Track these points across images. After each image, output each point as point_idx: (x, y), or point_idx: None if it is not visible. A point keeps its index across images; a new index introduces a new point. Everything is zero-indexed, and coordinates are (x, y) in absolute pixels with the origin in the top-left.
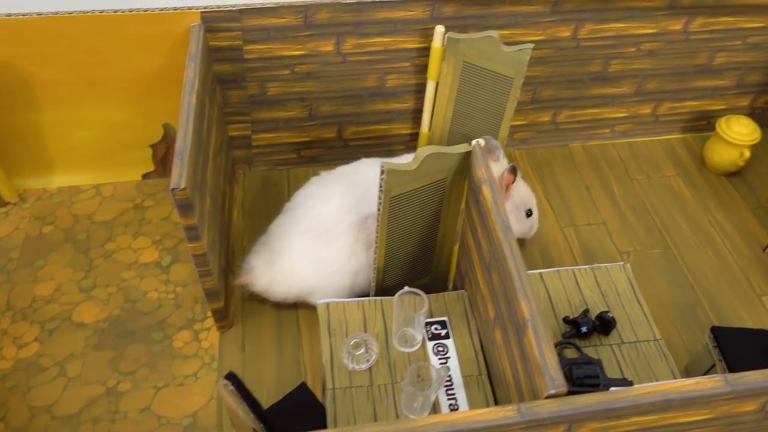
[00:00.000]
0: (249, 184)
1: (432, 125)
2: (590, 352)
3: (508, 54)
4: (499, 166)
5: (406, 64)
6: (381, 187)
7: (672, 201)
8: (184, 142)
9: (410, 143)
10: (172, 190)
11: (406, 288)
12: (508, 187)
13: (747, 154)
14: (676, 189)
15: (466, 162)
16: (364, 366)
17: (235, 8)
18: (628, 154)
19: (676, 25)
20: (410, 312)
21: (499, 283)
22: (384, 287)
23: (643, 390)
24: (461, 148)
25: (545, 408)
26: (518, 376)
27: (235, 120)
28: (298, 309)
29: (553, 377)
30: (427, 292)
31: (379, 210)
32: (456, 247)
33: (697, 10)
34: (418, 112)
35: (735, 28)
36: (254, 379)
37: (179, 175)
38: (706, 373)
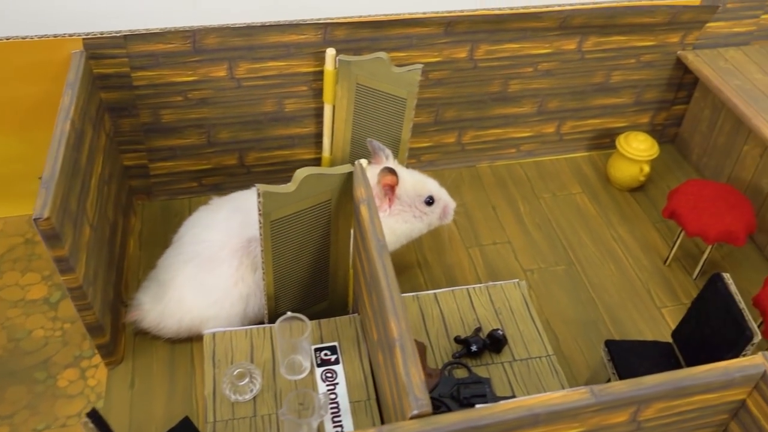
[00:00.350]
0: (148, 214)
1: (333, 149)
2: (481, 371)
3: (399, 75)
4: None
5: (304, 88)
6: (259, 210)
7: (577, 218)
8: (52, 170)
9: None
10: (35, 220)
11: (288, 313)
12: (393, 189)
13: (646, 169)
14: (581, 206)
15: (350, 183)
16: (248, 396)
17: (118, 34)
18: (534, 173)
19: (570, 45)
20: (293, 338)
21: (377, 304)
22: (280, 314)
23: (508, 406)
24: (342, 168)
25: (407, 429)
26: (393, 399)
27: (129, 149)
28: (193, 342)
29: (417, 397)
30: (325, 317)
31: (260, 234)
32: (351, 271)
33: (589, 30)
34: (319, 136)
35: (627, 47)
36: (143, 416)
37: (43, 204)
38: None
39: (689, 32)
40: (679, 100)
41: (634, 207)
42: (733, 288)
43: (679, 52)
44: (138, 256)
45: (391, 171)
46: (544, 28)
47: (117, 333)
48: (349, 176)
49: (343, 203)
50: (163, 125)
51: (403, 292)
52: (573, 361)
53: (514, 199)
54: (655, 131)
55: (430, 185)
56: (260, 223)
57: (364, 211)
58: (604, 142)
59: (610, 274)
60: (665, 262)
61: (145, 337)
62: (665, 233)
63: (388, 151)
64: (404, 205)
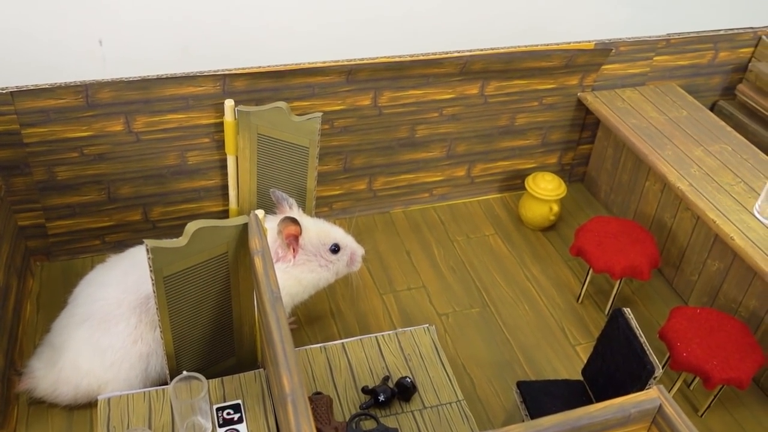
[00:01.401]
0: (48, 276)
1: (240, 200)
2: (391, 421)
3: (299, 123)
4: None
5: (206, 140)
6: (150, 267)
7: (490, 259)
8: None
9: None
10: None
11: (184, 372)
12: (296, 239)
13: (555, 208)
14: (494, 247)
15: (246, 234)
16: None
17: (4, 90)
18: (448, 216)
19: (473, 89)
20: (190, 398)
21: (272, 358)
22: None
23: None
24: (237, 220)
25: None
26: None
27: (23, 208)
28: (92, 408)
29: None
30: (233, 374)
31: (154, 292)
32: (258, 324)
33: (489, 75)
34: (226, 188)
35: (529, 90)
36: None
37: None
38: None
39: (587, 74)
40: (584, 140)
41: (546, 246)
42: (633, 323)
43: (579, 94)
44: (35, 321)
45: (293, 221)
46: (446, 73)
47: (7, 403)
48: (245, 227)
49: (241, 255)
50: (59, 182)
51: (313, 343)
52: (488, 404)
53: (429, 243)
54: (563, 171)
55: (335, 233)
56: (152, 279)
57: (257, 262)
58: (515, 183)
59: (524, 314)
60: (578, 299)
61: (41, 406)
62: (577, 270)
63: (292, 201)
64: (309, 255)
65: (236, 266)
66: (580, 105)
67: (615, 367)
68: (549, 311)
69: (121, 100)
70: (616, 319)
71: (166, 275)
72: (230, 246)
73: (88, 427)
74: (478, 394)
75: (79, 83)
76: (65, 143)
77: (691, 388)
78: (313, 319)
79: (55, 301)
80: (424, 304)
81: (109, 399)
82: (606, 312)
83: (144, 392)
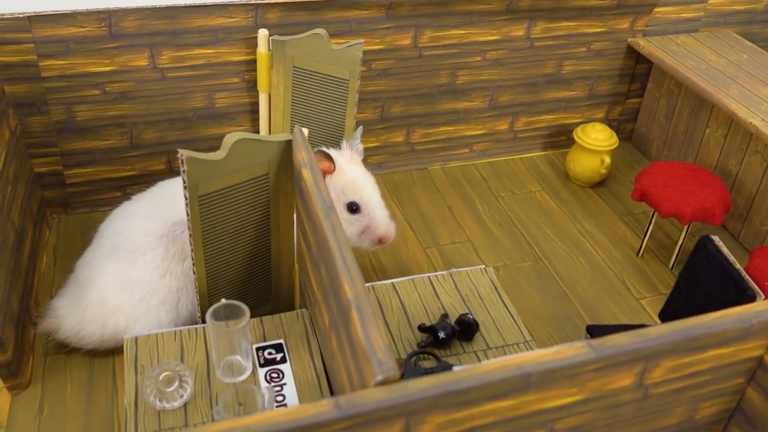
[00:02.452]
0: (65, 229)
1: None
2: (452, 361)
3: (339, 52)
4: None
5: (236, 80)
6: (184, 182)
7: (539, 214)
8: None
9: None
10: None
11: (223, 300)
12: (323, 177)
13: (607, 160)
14: (542, 203)
15: (289, 154)
16: (177, 404)
17: (22, 15)
18: (490, 173)
19: (518, 31)
20: (227, 327)
21: (326, 274)
22: None
23: (493, 365)
24: (280, 136)
25: (371, 397)
26: (351, 377)
27: (40, 153)
28: (115, 357)
29: (381, 361)
30: None
31: (187, 213)
32: (297, 266)
33: (537, 14)
34: (256, 134)
35: (577, 34)
36: None
37: None
38: None
39: (638, 17)
40: (633, 93)
41: (597, 202)
42: (725, 249)
43: (629, 39)
44: (51, 273)
45: (327, 156)
46: (491, 11)
47: (22, 353)
48: (288, 145)
49: (282, 179)
50: (79, 124)
51: None
52: None
53: (471, 198)
54: (611, 127)
55: (365, 192)
56: (186, 199)
57: (306, 174)
58: (560, 140)
59: (581, 267)
60: (638, 253)
61: (58, 357)
62: (634, 226)
63: (358, 144)
64: (332, 192)
65: (276, 193)
66: (630, 53)
67: (704, 301)
68: (608, 265)
69: (146, 30)
70: (705, 246)
71: (201, 194)
72: (271, 167)
73: (110, 378)
74: (539, 347)
75: (102, 9)
76: (86, 78)
77: None
78: None
79: (73, 254)
80: (472, 258)
81: (136, 338)
82: (670, 266)
83: (175, 331)
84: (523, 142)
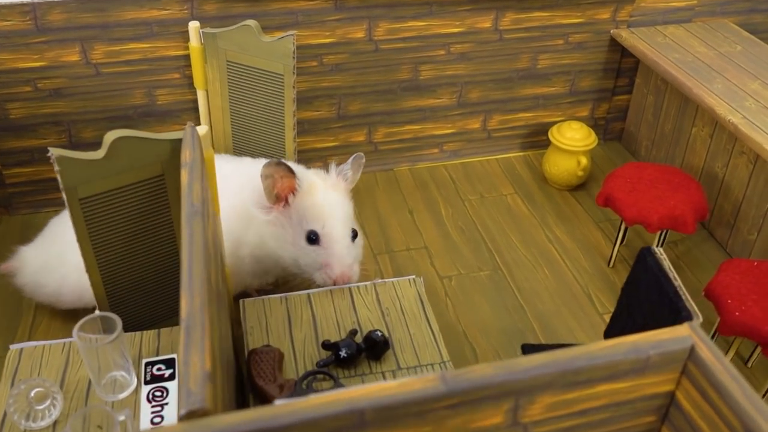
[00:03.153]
0: (5, 230)
1: (214, 143)
2: (355, 382)
3: (270, 45)
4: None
5: (176, 75)
6: (60, 184)
7: (507, 220)
8: None
9: None
10: None
11: (97, 312)
12: (285, 196)
13: (584, 161)
14: (512, 207)
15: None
16: (44, 423)
17: None
18: (461, 174)
19: (485, 23)
20: (97, 343)
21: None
22: (125, 328)
23: (319, 400)
24: (170, 135)
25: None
26: None
27: None
28: None
29: (190, 391)
30: None
31: (70, 216)
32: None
33: (504, 4)
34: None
35: (552, 25)
36: None
37: None
38: None
39: (621, 6)
40: (621, 89)
41: (573, 206)
42: (665, 263)
43: (612, 31)
44: None
45: (290, 171)
46: (452, 1)
47: None
48: (178, 144)
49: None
50: (13, 122)
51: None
52: None
53: (435, 202)
54: (597, 126)
55: (328, 223)
56: (65, 200)
57: (184, 175)
58: (540, 139)
59: (543, 279)
60: (609, 262)
61: None
62: (610, 233)
63: (345, 168)
64: (287, 221)
65: (177, 195)
66: (614, 45)
67: (643, 319)
68: (573, 276)
69: (74, 23)
70: (644, 259)
71: (83, 196)
72: (166, 167)
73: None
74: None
75: (25, 2)
76: (16, 74)
77: (750, 365)
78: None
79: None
80: (425, 266)
81: (21, 349)
82: None
83: (63, 343)
84: (499, 142)
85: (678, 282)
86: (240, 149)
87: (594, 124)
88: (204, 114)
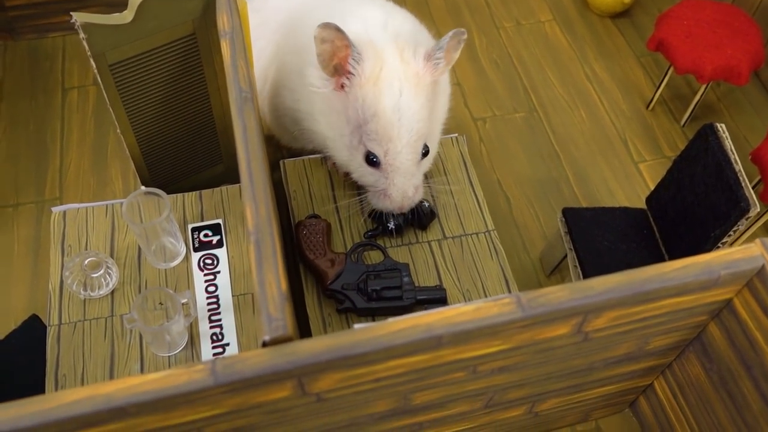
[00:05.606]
0: (11, 59)
1: None
2: (402, 252)
3: None
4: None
5: None
6: (87, 51)
7: (544, 52)
8: None
9: None
10: None
11: (142, 188)
12: (343, 67)
13: None
14: (550, 37)
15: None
16: (102, 292)
17: None
18: None
19: None
20: (147, 222)
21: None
22: (158, 182)
23: (396, 326)
24: None
25: (249, 363)
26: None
27: None
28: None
29: (272, 317)
30: (222, 184)
31: (99, 82)
32: None
33: None
34: None
35: None
36: (0, 308)
37: None
38: (558, 265)
39: None
40: None
41: (615, 37)
42: (728, 145)
43: None
44: None
45: (338, 32)
46: None
47: None
48: (213, 2)
49: (215, 38)
50: None
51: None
52: (526, 229)
53: (468, 29)
54: None
55: (396, 146)
56: (93, 67)
57: (224, 47)
58: None
59: (579, 122)
60: (648, 105)
61: (5, 210)
62: (652, 70)
63: (441, 46)
64: (343, 110)
65: (210, 52)
66: None
67: (694, 198)
68: (610, 119)
69: None
70: (706, 137)
71: (112, 62)
72: (198, 26)
73: None
74: (515, 217)
75: None
76: None
77: None
78: None
79: (21, 88)
80: (457, 106)
81: (64, 212)
82: (682, 123)
83: (106, 205)
84: None
85: (739, 166)
86: None
87: None
88: None
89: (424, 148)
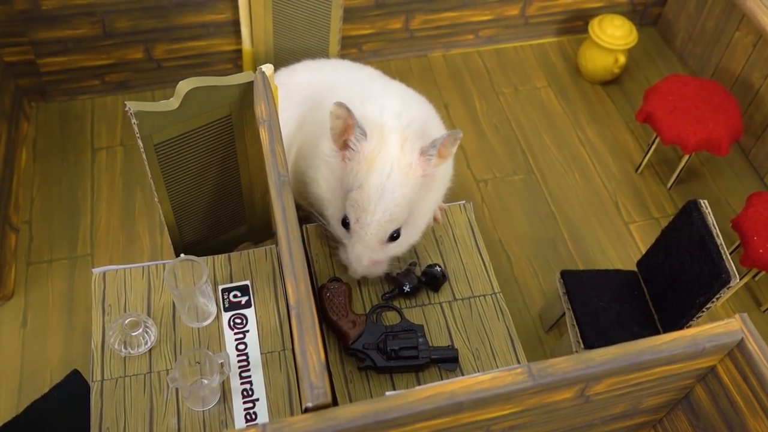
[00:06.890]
0: (44, 119)
1: (253, 39)
2: (416, 312)
3: None
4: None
5: None
6: (136, 133)
7: (540, 117)
8: None
9: (238, 61)
10: None
11: (182, 256)
12: (345, 136)
13: (622, 59)
14: (545, 103)
15: (251, 93)
16: (141, 350)
17: None
18: (495, 63)
19: None
20: (185, 287)
21: (280, 256)
22: (187, 243)
23: (423, 393)
24: (239, 78)
25: (295, 428)
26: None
27: (8, 42)
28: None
29: (313, 385)
30: (245, 241)
31: (144, 160)
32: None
33: None
34: (238, 23)
35: None
36: (36, 359)
37: None
38: (557, 322)
39: None
40: None
41: (606, 104)
42: (710, 220)
43: None
44: (32, 171)
45: (346, 111)
46: None
47: (3, 263)
48: (249, 86)
49: (247, 117)
50: (45, 13)
51: None
52: (526, 287)
53: (470, 94)
54: (635, 12)
55: (366, 219)
56: (141, 147)
57: (263, 134)
58: (576, 25)
59: (573, 185)
60: (637, 169)
61: (40, 266)
62: (640, 135)
63: (436, 143)
64: (341, 177)
65: (242, 130)
66: None
67: (680, 266)
68: (602, 181)
69: None
70: (690, 212)
71: (157, 142)
72: (233, 108)
73: (89, 291)
74: (516, 274)
75: None
76: None
77: (757, 279)
78: None
79: (52, 147)
80: (461, 168)
81: (104, 274)
82: (668, 186)
83: (142, 267)
84: (535, 28)
85: (720, 240)
86: (282, 48)
87: (632, 9)
88: (244, 7)
89: (395, 232)
